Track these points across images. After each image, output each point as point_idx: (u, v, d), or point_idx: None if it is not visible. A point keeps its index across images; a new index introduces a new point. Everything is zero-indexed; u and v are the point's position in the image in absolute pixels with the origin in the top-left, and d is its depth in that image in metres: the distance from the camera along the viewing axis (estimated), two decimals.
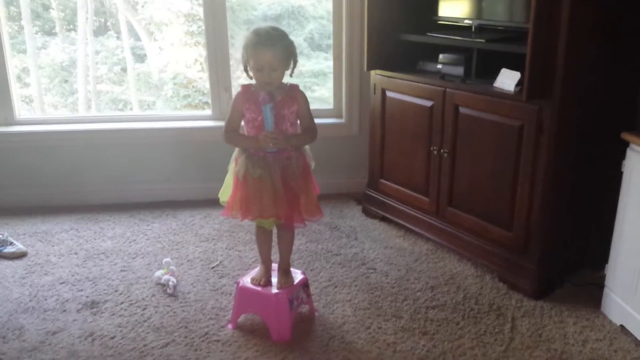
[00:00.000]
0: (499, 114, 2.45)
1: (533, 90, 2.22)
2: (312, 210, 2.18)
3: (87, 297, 2.49)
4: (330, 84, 3.62)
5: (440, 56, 2.77)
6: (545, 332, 2.21)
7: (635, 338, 2.14)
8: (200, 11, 3.64)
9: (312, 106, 2.20)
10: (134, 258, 2.83)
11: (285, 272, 2.27)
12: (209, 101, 3.57)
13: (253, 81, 2.13)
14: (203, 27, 3.47)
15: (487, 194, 2.56)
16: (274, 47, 2.02)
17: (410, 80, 2.84)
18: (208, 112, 3.57)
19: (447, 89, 2.65)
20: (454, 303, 2.41)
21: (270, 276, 2.27)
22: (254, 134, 2.12)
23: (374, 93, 3.08)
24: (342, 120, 3.56)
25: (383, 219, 3.19)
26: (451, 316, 2.32)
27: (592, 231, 2.58)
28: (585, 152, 2.41)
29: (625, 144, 2.18)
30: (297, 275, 2.29)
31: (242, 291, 2.23)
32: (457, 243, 2.77)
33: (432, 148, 2.77)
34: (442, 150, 2.71)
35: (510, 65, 2.46)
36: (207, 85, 3.52)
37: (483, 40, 2.52)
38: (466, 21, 2.68)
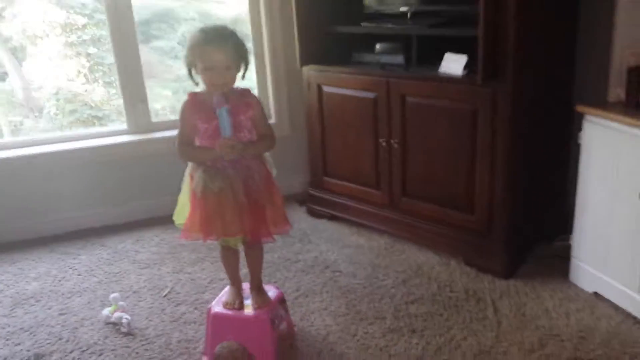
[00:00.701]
0: (450, 99, 2.42)
1: (487, 72, 2.21)
2: (279, 222, 2.02)
3: (28, 350, 2.15)
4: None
5: (377, 46, 2.70)
6: (528, 310, 2.22)
7: (612, 303, 2.21)
8: (77, 20, 3.34)
9: None
10: (69, 298, 2.50)
11: (259, 291, 2.08)
12: (100, 114, 3.30)
13: (198, 89, 1.93)
14: (83, 37, 3.18)
15: (444, 180, 2.54)
16: (226, 43, 1.83)
17: (348, 73, 2.75)
18: (122, 126, 3.26)
19: (391, 79, 2.59)
20: (430, 294, 2.36)
21: (242, 298, 2.08)
22: (209, 145, 1.92)
23: (308, 89, 2.96)
24: (272, 121, 3.40)
25: (331, 217, 3.08)
26: (433, 309, 2.26)
27: (546, 205, 2.64)
28: (535, 128, 2.45)
29: (577, 117, 2.24)
30: (271, 291, 2.12)
31: (217, 318, 2.02)
32: (416, 233, 2.73)
33: (380, 140, 2.70)
34: (392, 141, 2.65)
35: (449, 50, 2.45)
36: (95, 97, 3.24)
37: (425, 26, 2.48)
38: (402, 8, 2.63)
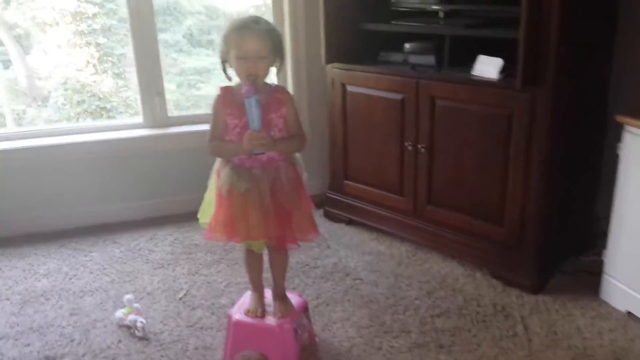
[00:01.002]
0: (483, 104, 2.32)
1: (527, 77, 2.11)
2: (305, 228, 1.92)
3: (38, 352, 2.06)
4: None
5: (407, 45, 2.60)
6: (559, 329, 2.12)
7: None
8: (88, 8, 3.26)
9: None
10: (81, 297, 2.41)
11: (282, 299, 1.99)
12: (108, 106, 3.23)
13: (232, 83, 1.85)
14: (93, 27, 3.08)
15: (473, 189, 2.44)
16: (261, 30, 1.75)
17: (376, 73, 2.65)
18: (138, 119, 3.16)
19: (421, 80, 2.49)
20: (457, 308, 2.26)
21: (264, 305, 1.99)
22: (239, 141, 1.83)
23: (332, 88, 2.86)
24: None
25: (350, 222, 2.99)
26: (460, 323, 2.17)
27: (575, 217, 2.55)
28: (571, 136, 2.35)
29: (615, 126, 2.15)
30: (294, 299, 2.02)
31: (238, 326, 1.93)
32: (439, 242, 2.63)
33: (406, 144, 2.60)
34: (419, 146, 2.55)
35: (481, 52, 2.35)
36: (103, 89, 3.14)
37: (461, 27, 2.38)
38: (433, 7, 2.53)
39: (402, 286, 2.43)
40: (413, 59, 2.58)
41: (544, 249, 2.35)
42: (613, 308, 2.23)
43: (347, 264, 2.61)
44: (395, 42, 2.67)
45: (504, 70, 2.27)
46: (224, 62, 1.83)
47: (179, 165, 3.14)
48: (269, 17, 3.20)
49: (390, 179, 2.73)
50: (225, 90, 1.84)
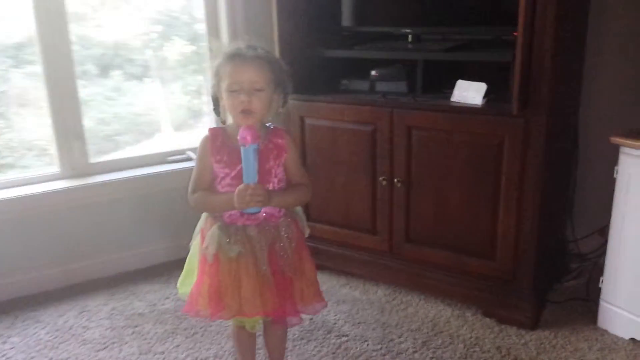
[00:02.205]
0: (468, 132, 2.15)
1: (523, 101, 1.97)
2: (309, 298, 1.64)
3: None
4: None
5: (373, 72, 2.39)
6: None
7: None
8: None
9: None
10: None
11: None
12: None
13: (224, 122, 1.53)
14: None
15: (459, 223, 2.25)
16: (257, 58, 1.46)
17: (340, 103, 2.40)
18: (54, 169, 2.66)
19: (395, 110, 2.28)
20: (460, 357, 2.05)
21: None
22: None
23: (289, 122, 2.57)
24: None
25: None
26: None
27: (556, 243, 2.45)
28: (557, 160, 2.25)
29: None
30: None
31: None
32: (421, 282, 2.42)
33: (380, 179, 2.37)
34: (395, 180, 2.33)
35: (452, 77, 2.21)
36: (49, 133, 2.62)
37: (440, 50, 2.20)
38: (403, 30, 2.34)
39: (394, 338, 2.17)
40: (381, 87, 2.37)
41: (539, 281, 2.21)
42: (616, 336, 2.14)
43: (325, 318, 2.32)
44: (357, 69, 2.45)
45: (487, 95, 2.12)
46: (215, 99, 1.51)
47: (106, 220, 2.68)
48: (200, 44, 2.88)
49: (361, 217, 2.49)
50: (215, 133, 1.52)
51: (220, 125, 1.62)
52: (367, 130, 2.36)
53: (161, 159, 2.86)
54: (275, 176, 1.55)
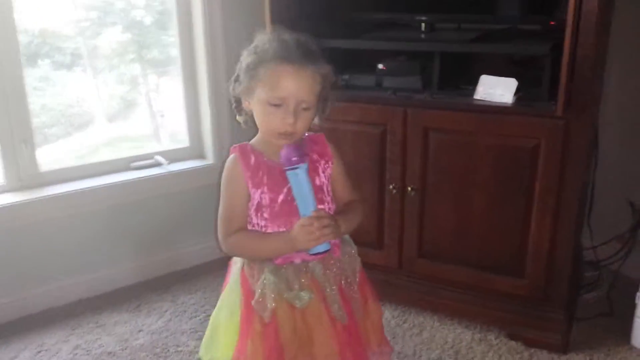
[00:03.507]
0: (497, 135, 1.90)
1: (568, 101, 1.73)
2: (378, 343, 1.35)
3: None
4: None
5: (380, 66, 2.09)
6: None
7: None
8: None
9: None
10: None
11: None
12: None
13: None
14: None
15: (483, 236, 2.00)
16: (312, 68, 1.13)
17: (343, 101, 2.06)
18: None
19: (409, 109, 2.00)
20: None
21: None
22: (277, 228, 1.20)
23: None
24: (208, 162, 2.60)
25: None
26: None
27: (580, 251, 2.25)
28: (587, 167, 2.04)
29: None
30: None
31: None
32: (435, 302, 2.16)
33: (390, 186, 2.08)
34: (408, 188, 2.05)
35: (468, 71, 1.97)
36: None
37: (463, 41, 1.93)
38: (417, 18, 2.05)
39: None
40: (390, 82, 2.07)
41: (572, 300, 2.00)
42: None
43: None
44: (357, 62, 2.15)
45: (518, 92, 1.88)
46: (238, 100, 1.17)
47: (63, 238, 2.27)
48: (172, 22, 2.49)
49: (364, 230, 2.19)
50: (244, 150, 1.20)
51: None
52: (375, 132, 2.07)
53: (125, 165, 2.46)
54: (329, 194, 1.24)
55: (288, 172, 1.12)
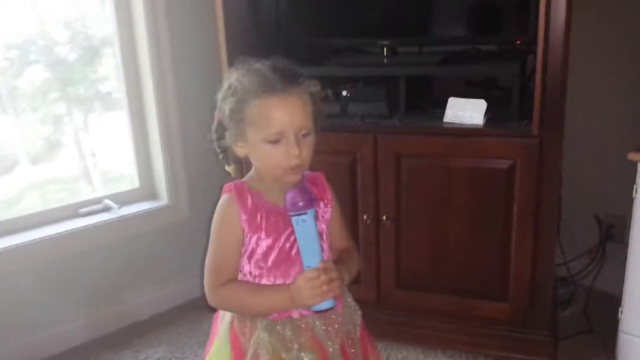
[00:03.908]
0: (469, 157, 1.86)
1: (544, 119, 1.71)
2: None
3: None
4: None
5: (344, 92, 2.01)
6: None
7: None
8: None
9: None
10: None
11: None
12: None
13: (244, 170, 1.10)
14: None
15: (462, 262, 1.95)
16: (298, 86, 1.05)
17: None
18: None
19: (379, 135, 1.93)
20: None
21: None
22: (273, 280, 1.09)
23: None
24: (161, 203, 2.43)
25: None
26: None
27: None
28: None
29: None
30: None
31: None
32: (416, 334, 2.08)
33: (364, 217, 2.00)
34: (383, 217, 1.98)
35: (429, 94, 1.95)
36: None
37: (432, 63, 1.89)
38: (379, 42, 2.00)
39: None
40: (355, 109, 2.00)
41: (553, 320, 1.97)
42: None
43: None
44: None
45: (486, 114, 1.85)
46: (224, 149, 1.05)
47: (4, 297, 2.04)
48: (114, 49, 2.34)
49: None
50: (240, 190, 1.07)
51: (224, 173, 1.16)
52: (345, 162, 1.98)
53: (72, 212, 2.26)
54: (326, 241, 1.13)
55: (293, 218, 1.01)
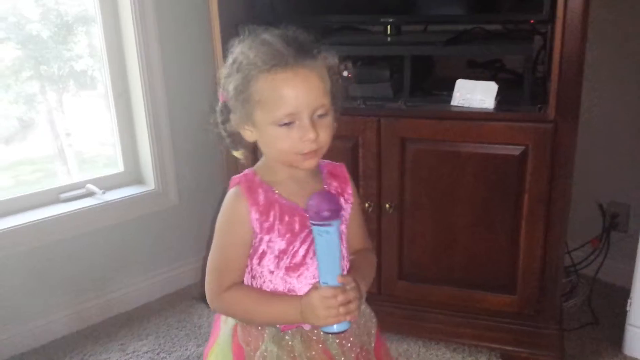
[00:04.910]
0: (480, 142, 1.76)
1: (561, 104, 1.61)
2: None
3: None
4: None
5: (345, 73, 1.87)
6: None
7: None
8: None
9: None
10: None
11: None
12: None
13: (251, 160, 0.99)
14: None
15: (469, 253, 1.85)
16: (314, 59, 0.93)
17: None
18: None
19: (382, 119, 1.82)
20: None
21: None
22: (282, 285, 0.99)
23: None
24: (148, 188, 2.30)
25: None
26: None
27: None
28: None
29: None
30: None
31: None
32: (418, 326, 2.00)
33: (365, 204, 1.89)
34: (386, 205, 1.87)
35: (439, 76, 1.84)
36: None
37: (439, 44, 1.78)
38: (383, 19, 1.88)
39: None
40: (357, 91, 1.88)
41: (560, 312, 1.90)
42: None
43: None
44: None
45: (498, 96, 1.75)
46: (231, 135, 0.93)
47: None
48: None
49: None
50: (251, 183, 0.95)
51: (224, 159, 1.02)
52: (346, 146, 1.87)
53: (52, 197, 2.13)
54: (345, 247, 1.02)
55: (315, 227, 0.89)
